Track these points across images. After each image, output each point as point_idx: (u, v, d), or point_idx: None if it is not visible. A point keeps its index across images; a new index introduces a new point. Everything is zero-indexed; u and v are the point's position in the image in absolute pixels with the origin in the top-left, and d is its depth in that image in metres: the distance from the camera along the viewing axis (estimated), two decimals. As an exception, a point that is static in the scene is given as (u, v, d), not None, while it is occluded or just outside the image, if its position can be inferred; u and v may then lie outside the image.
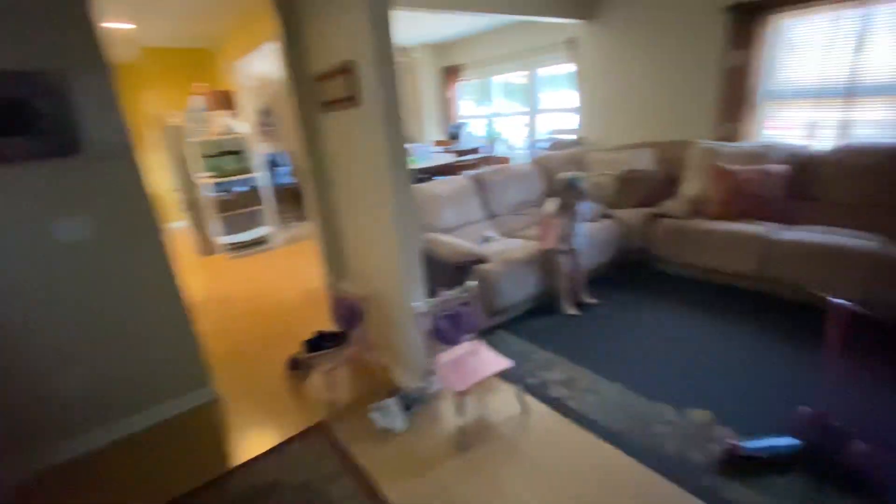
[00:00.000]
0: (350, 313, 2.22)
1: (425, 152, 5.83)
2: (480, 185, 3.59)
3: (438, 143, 6.76)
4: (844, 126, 3.05)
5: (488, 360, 2.01)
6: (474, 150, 5.25)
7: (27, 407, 1.91)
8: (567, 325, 2.78)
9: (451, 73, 7.13)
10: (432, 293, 2.06)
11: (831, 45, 2.93)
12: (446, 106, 7.47)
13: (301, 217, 5.63)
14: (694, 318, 2.71)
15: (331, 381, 2.09)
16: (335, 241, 2.66)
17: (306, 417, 2.15)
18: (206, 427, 2.20)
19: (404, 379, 2.29)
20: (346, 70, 1.94)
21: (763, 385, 2.07)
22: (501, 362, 1.97)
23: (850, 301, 1.59)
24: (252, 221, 5.22)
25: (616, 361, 2.35)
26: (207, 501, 1.75)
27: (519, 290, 2.79)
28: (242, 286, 4.18)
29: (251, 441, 2.06)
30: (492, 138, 5.94)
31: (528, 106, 6.00)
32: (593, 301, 2.96)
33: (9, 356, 1.85)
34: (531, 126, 6.05)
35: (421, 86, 7.40)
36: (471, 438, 1.91)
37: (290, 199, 5.88)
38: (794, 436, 1.71)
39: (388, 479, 1.76)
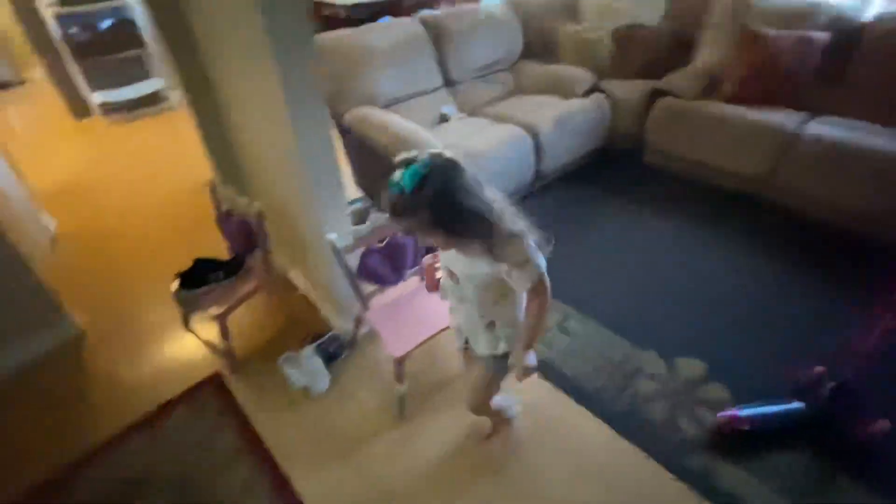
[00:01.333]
0: (241, 234, 1.55)
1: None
2: (438, 33, 2.60)
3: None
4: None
5: (437, 304, 1.48)
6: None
7: None
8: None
9: None
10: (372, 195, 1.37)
11: None
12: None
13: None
14: (686, 231, 2.25)
15: (224, 329, 1.53)
16: (216, 125, 1.78)
17: (195, 370, 1.64)
18: (55, 385, 1.64)
19: (328, 318, 1.76)
20: None
21: (766, 327, 1.72)
22: (454, 311, 1.45)
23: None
24: (132, 72, 3.91)
25: (595, 290, 1.90)
26: None
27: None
28: (122, 165, 3.23)
29: (117, 404, 1.54)
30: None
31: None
32: None
33: None
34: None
35: None
36: (413, 407, 1.49)
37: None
38: (800, 399, 1.42)
39: (301, 463, 1.35)
